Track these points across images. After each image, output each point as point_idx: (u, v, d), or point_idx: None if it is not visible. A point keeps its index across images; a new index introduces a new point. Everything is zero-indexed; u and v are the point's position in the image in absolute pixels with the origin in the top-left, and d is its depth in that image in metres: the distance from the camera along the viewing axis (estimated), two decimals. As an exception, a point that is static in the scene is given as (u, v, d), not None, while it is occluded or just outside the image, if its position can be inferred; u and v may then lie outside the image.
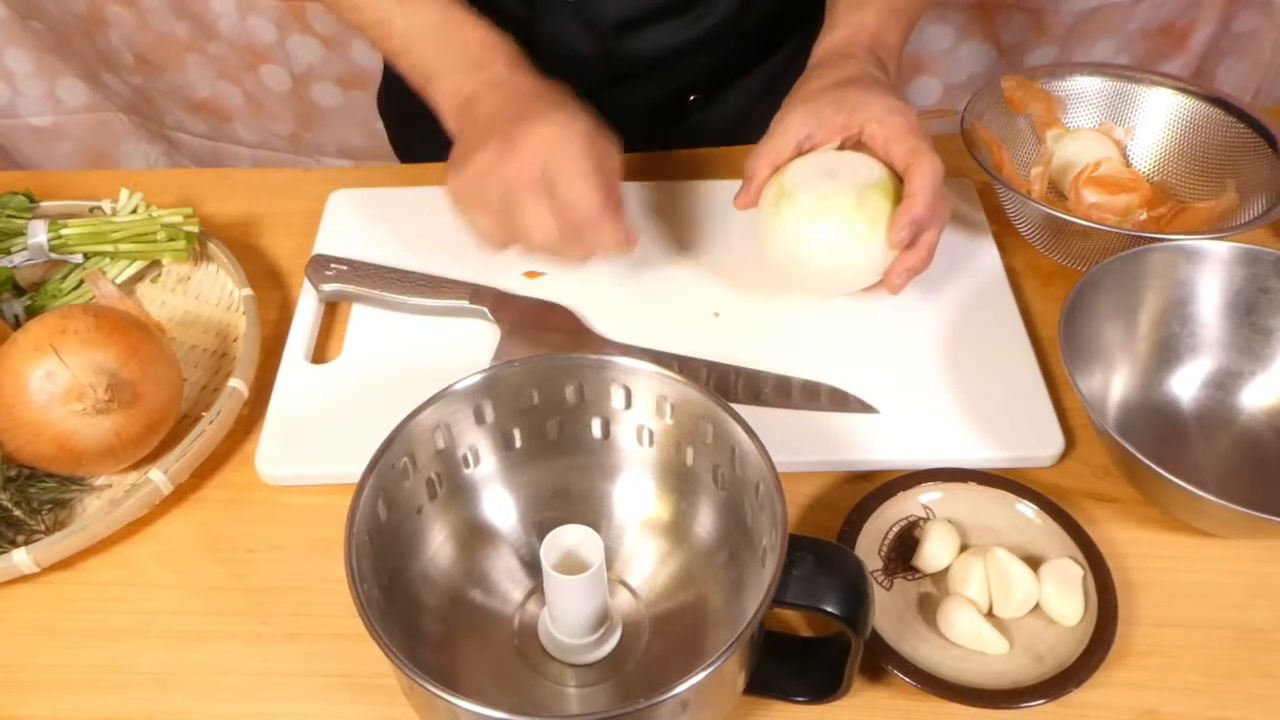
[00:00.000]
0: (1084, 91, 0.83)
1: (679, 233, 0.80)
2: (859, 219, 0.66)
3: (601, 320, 0.73)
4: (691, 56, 0.90)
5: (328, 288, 0.74)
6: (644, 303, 0.74)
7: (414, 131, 1.07)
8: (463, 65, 0.72)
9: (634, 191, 0.83)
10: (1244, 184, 0.76)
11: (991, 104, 0.81)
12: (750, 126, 0.97)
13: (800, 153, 0.70)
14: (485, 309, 0.72)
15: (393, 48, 0.74)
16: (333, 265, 0.75)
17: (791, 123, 0.69)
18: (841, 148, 0.69)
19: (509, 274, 0.76)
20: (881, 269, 0.68)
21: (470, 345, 0.72)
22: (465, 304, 0.73)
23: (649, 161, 0.88)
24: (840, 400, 0.67)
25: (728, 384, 0.68)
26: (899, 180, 0.68)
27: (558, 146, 0.65)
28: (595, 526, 0.51)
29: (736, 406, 0.53)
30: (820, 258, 0.67)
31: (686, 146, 0.89)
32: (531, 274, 0.76)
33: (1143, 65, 1.36)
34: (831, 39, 0.74)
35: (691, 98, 0.95)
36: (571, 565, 0.50)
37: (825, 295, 0.72)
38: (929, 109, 1.47)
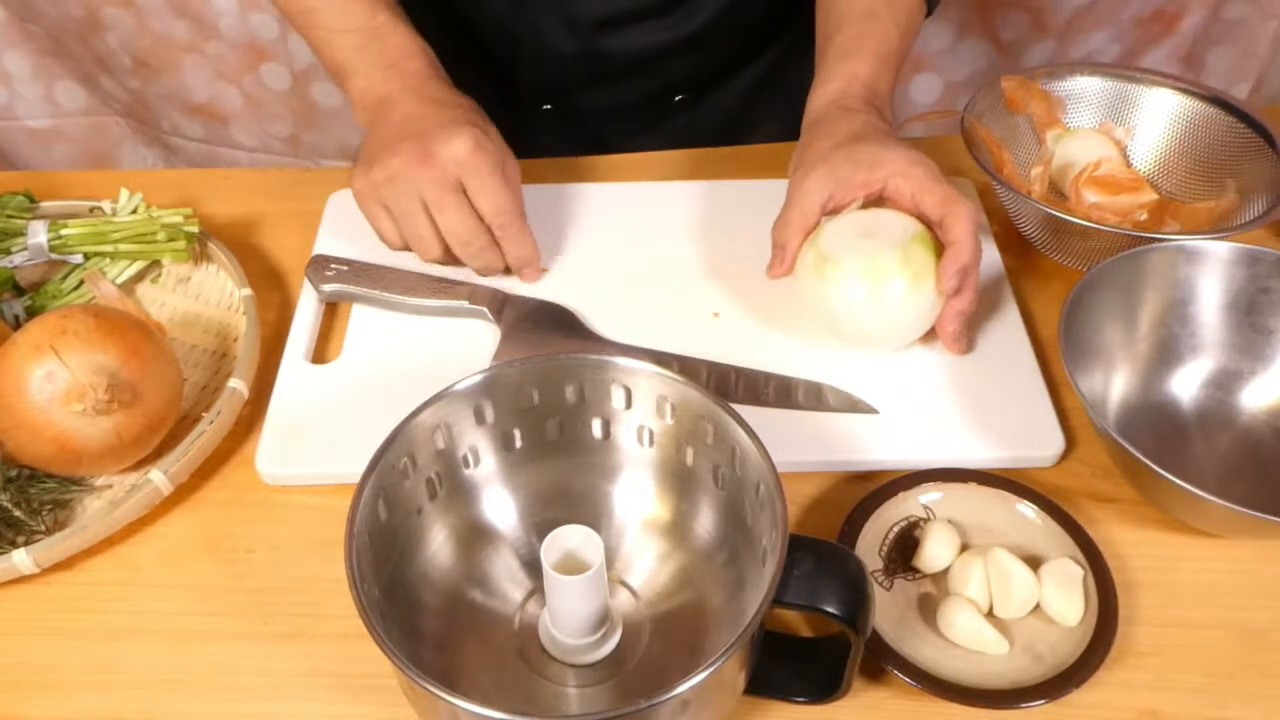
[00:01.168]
0: (1084, 91, 0.83)
1: (678, 233, 0.80)
2: (906, 274, 0.65)
3: (602, 320, 0.73)
4: (675, 57, 0.90)
5: (328, 288, 0.74)
6: (644, 303, 0.74)
7: None
8: (379, 65, 0.74)
9: (631, 191, 0.83)
10: (1244, 184, 0.76)
11: (992, 104, 0.81)
12: (739, 127, 0.97)
13: (824, 214, 0.69)
14: (485, 309, 0.72)
15: (316, 38, 0.76)
16: (333, 265, 0.75)
17: (811, 186, 0.69)
18: (863, 206, 0.69)
19: (509, 275, 0.76)
20: (931, 318, 0.68)
21: (470, 345, 0.72)
22: (465, 304, 0.73)
23: (643, 161, 0.88)
24: (840, 400, 0.67)
25: (728, 384, 0.68)
26: (929, 228, 0.68)
27: (472, 162, 0.68)
28: (595, 527, 0.51)
29: (736, 407, 0.53)
30: (875, 316, 0.67)
31: (675, 147, 0.89)
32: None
33: (1133, 52, 1.37)
34: (825, 91, 0.74)
35: (677, 98, 0.95)
36: (571, 565, 0.50)
37: (877, 350, 0.70)
38: (929, 109, 1.47)
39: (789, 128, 1.02)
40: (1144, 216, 0.76)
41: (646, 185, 0.84)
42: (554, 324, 0.72)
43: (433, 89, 0.73)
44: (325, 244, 0.79)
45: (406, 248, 0.73)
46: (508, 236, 0.71)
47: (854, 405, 0.67)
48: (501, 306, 0.73)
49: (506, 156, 0.71)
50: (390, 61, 0.74)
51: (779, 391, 0.68)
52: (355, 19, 0.74)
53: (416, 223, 0.70)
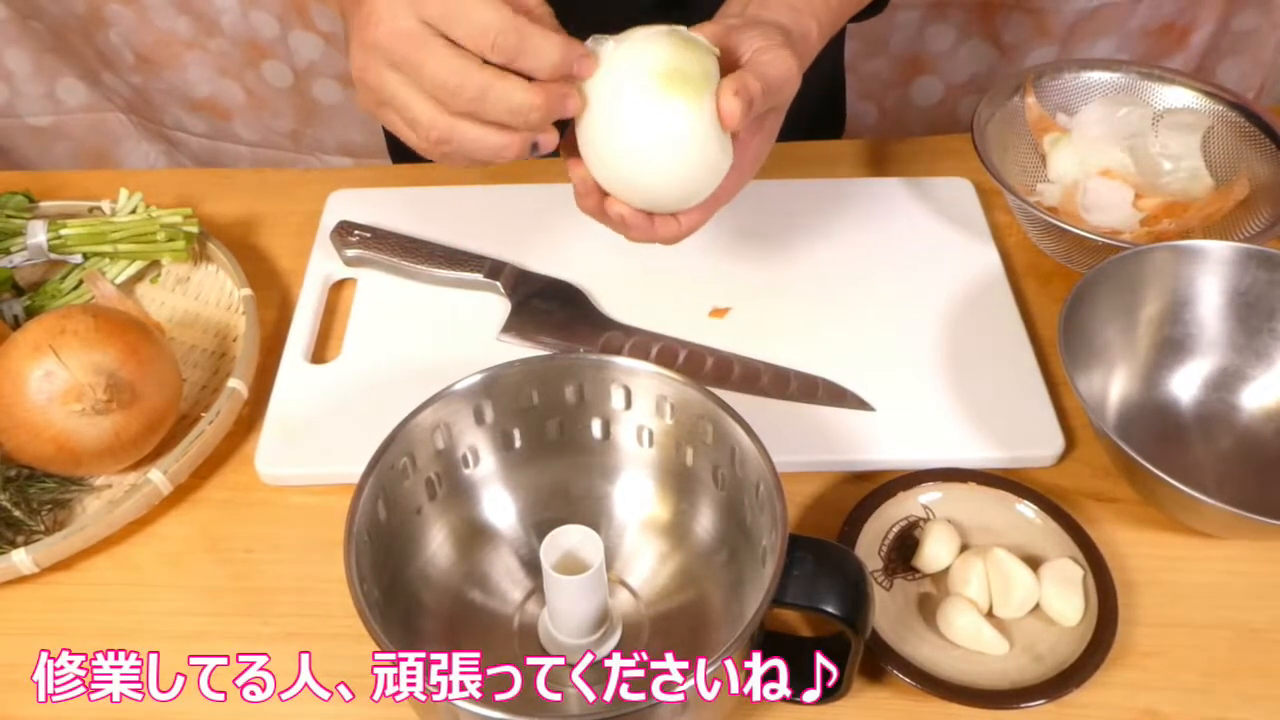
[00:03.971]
0: (1086, 92, 0.82)
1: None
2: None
3: (610, 301, 0.74)
4: None
5: (351, 252, 0.76)
6: (649, 291, 0.75)
7: None
8: None
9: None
10: (1249, 185, 0.76)
11: (997, 106, 0.81)
12: None
13: None
14: (499, 283, 0.74)
15: None
16: (356, 232, 0.77)
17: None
18: None
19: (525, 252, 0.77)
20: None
21: (470, 346, 0.72)
22: (480, 277, 0.74)
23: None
24: (837, 395, 0.67)
25: (730, 372, 0.69)
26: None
27: None
28: (595, 526, 0.51)
29: (734, 398, 0.53)
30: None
31: None
32: None
33: (1144, 64, 1.36)
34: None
35: None
36: (571, 565, 0.50)
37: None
38: (931, 111, 1.47)
39: (790, 125, 1.02)
40: (1145, 217, 0.76)
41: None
42: (563, 301, 0.74)
43: None
44: (325, 244, 0.79)
45: (441, 145, 0.53)
46: (519, 52, 0.49)
47: (849, 401, 0.67)
48: (515, 282, 0.74)
49: None
50: None
51: (775, 382, 0.68)
52: None
53: (408, 102, 0.51)
